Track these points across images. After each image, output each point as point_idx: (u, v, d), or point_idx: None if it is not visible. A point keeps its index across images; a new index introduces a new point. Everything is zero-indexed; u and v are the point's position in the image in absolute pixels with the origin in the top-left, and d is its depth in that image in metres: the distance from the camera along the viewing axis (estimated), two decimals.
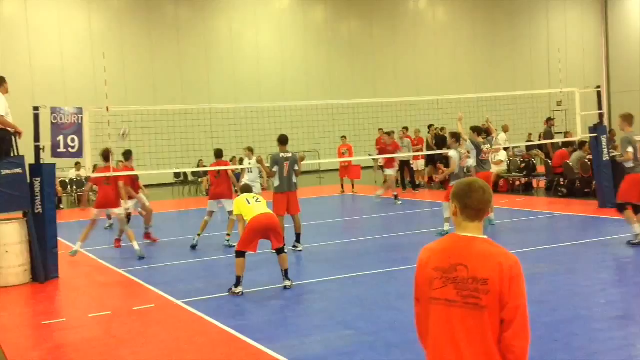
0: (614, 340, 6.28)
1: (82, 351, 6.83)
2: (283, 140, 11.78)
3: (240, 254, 8.75)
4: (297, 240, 11.79)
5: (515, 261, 2.90)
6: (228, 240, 12.50)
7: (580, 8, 39.71)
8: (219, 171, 13.01)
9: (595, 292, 8.06)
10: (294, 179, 11.77)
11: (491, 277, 2.84)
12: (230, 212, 12.86)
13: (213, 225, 13.17)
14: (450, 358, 2.92)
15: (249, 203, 9.01)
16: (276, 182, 11.66)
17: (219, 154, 13.32)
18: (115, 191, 12.17)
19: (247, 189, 9.78)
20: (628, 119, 10.94)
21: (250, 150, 16.69)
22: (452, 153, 12.50)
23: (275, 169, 11.54)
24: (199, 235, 12.59)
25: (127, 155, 13.44)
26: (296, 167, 11.73)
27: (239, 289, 8.70)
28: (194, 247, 12.43)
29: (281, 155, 11.58)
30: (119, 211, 12.42)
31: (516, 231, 12.90)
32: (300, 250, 11.61)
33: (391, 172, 18.22)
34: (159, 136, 18.59)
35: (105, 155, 11.99)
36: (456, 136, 12.78)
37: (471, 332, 2.87)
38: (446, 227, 12.32)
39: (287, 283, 8.94)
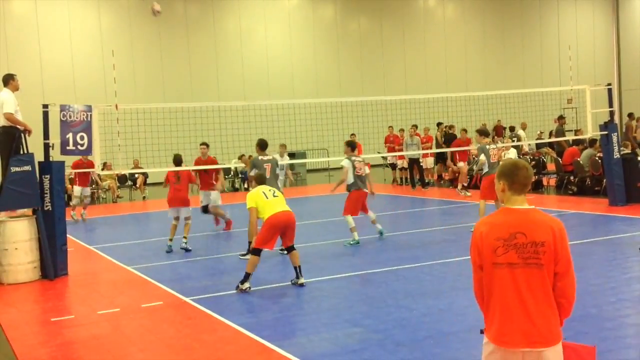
0: (625, 339, 6.24)
1: (90, 348, 6.85)
2: (262, 145, 11.38)
3: (256, 252, 8.65)
4: None
5: (561, 224, 3.56)
6: (185, 243, 12.08)
7: (590, 5, 39.47)
8: (178, 176, 12.27)
9: (605, 290, 8.01)
10: (279, 183, 11.46)
11: (547, 240, 3.46)
12: (188, 218, 12.24)
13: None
14: (517, 311, 3.47)
15: (267, 197, 8.79)
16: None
17: (178, 161, 12.61)
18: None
19: (262, 179, 9.47)
20: None
21: (284, 146, 16.75)
22: (344, 162, 12.15)
23: (253, 172, 10.71)
24: (170, 240, 12.16)
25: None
26: (277, 171, 11.39)
27: (246, 285, 8.67)
28: (169, 252, 12.01)
29: (260, 158, 11.19)
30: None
31: None
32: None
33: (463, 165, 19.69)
34: (167, 134, 18.63)
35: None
36: (351, 145, 12.39)
37: (533, 286, 3.46)
38: (356, 236, 11.94)
39: (302, 280, 8.88)
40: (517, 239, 3.47)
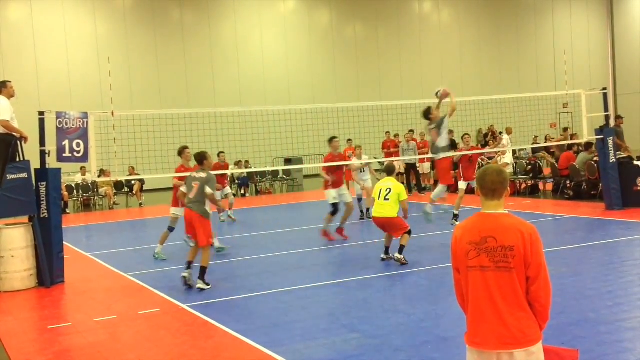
0: (622, 343, 6.24)
1: (87, 355, 6.82)
2: (198, 159, 9.81)
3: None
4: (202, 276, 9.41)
5: (533, 229, 3.54)
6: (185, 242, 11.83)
7: (585, 9, 39.62)
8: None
9: (602, 294, 8.01)
10: (206, 206, 9.60)
11: (516, 244, 3.48)
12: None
13: (218, 228, 13.12)
14: (489, 313, 3.55)
15: (378, 198, 10.25)
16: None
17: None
18: None
19: (391, 170, 10.66)
20: None
21: (360, 148, 16.94)
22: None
23: (183, 188, 9.80)
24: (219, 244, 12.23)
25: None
26: (207, 190, 9.44)
27: (385, 255, 10.53)
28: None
29: (192, 174, 9.80)
30: None
31: None
32: (203, 289, 9.35)
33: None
34: (164, 140, 18.60)
35: None
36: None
37: (504, 290, 3.51)
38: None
39: (397, 256, 10.18)
40: (488, 243, 3.55)
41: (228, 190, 16.76)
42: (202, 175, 9.57)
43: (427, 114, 12.78)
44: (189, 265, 9.57)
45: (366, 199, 16.31)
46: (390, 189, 10.15)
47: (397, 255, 10.15)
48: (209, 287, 9.32)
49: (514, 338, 3.51)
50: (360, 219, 15.99)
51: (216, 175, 11.95)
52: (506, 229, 3.54)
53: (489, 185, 3.63)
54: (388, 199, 10.12)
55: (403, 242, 10.17)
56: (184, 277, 9.48)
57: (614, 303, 7.61)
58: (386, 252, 10.59)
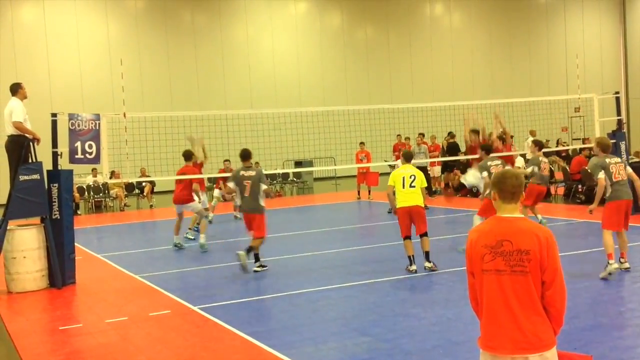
0: (635, 349, 6.20)
1: (98, 356, 6.84)
2: (244, 156, 10.60)
3: (404, 237, 9.93)
4: (256, 259, 10.65)
5: (549, 233, 3.56)
6: (187, 234, 14.05)
7: (598, 13, 39.44)
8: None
9: (615, 299, 7.97)
10: (260, 201, 10.44)
11: (532, 248, 3.49)
12: (200, 213, 13.42)
13: (227, 231, 13.17)
14: (504, 317, 3.54)
15: (403, 187, 9.77)
16: (238, 201, 10.89)
17: (188, 156, 13.66)
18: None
19: (408, 157, 10.28)
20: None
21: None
22: None
23: (232, 185, 10.58)
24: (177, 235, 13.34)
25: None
26: (263, 186, 10.43)
27: (413, 267, 9.86)
28: (177, 245, 13.21)
29: (241, 173, 10.48)
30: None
31: None
32: (265, 268, 10.65)
33: None
34: (175, 142, 18.64)
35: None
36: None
37: (520, 294, 3.51)
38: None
39: (427, 265, 9.92)
40: (504, 247, 3.55)
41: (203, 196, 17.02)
42: (252, 173, 10.44)
43: None
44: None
45: None
46: (414, 176, 9.83)
47: (427, 264, 9.92)
48: (265, 268, 10.56)
49: (529, 342, 3.50)
50: (389, 212, 16.57)
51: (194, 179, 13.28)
52: (522, 233, 3.54)
53: (509, 188, 3.63)
54: (414, 186, 9.81)
55: (427, 248, 10.00)
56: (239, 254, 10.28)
57: (626, 308, 7.56)
58: (412, 261, 9.95)
